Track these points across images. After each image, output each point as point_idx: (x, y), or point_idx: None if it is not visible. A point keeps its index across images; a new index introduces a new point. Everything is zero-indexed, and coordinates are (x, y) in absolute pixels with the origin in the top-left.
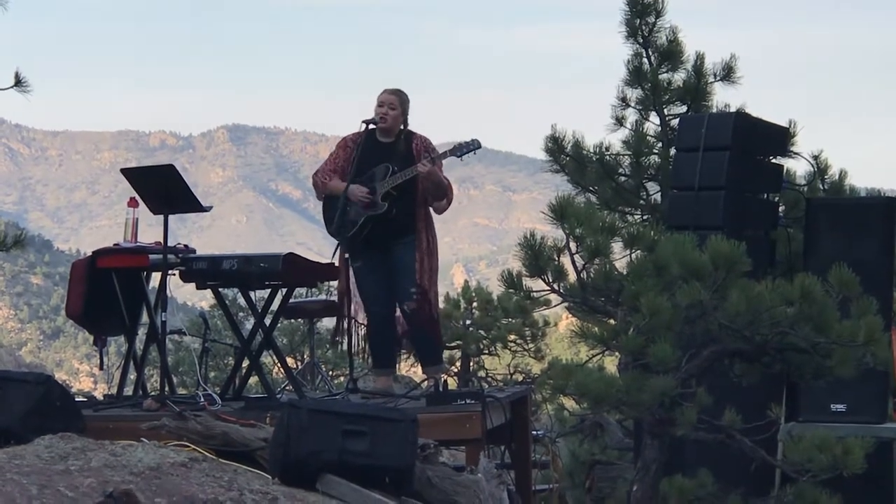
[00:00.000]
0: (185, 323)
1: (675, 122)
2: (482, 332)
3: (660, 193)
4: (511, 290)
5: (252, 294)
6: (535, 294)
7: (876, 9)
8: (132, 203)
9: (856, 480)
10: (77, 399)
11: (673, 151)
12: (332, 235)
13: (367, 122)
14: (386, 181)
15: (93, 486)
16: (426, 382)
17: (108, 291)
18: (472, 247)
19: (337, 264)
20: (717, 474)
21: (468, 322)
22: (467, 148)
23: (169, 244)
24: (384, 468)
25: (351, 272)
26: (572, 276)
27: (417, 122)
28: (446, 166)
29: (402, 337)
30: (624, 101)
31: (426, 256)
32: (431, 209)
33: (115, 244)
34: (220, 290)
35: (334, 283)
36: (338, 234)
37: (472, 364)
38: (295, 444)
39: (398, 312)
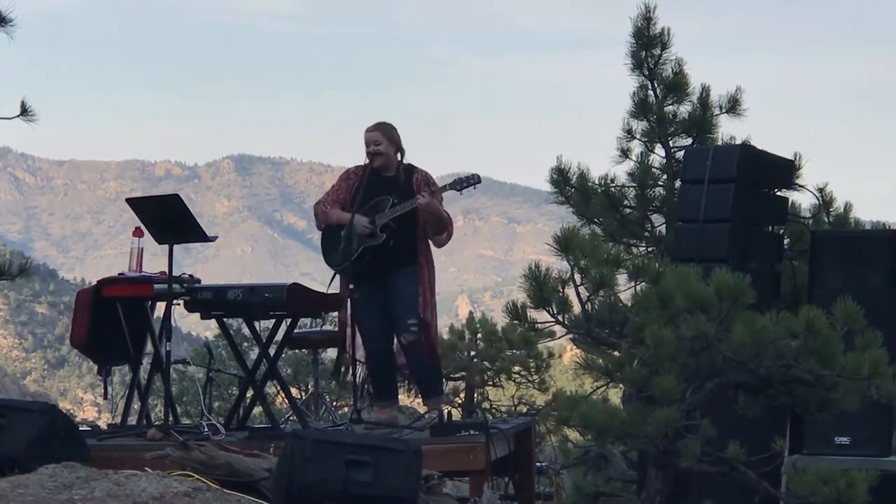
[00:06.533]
0: (189, 353)
1: (680, 154)
2: (486, 363)
3: (665, 225)
4: (516, 322)
5: (256, 324)
6: (539, 325)
7: (881, 40)
8: (137, 233)
9: None
10: (81, 428)
11: (678, 183)
12: (331, 266)
13: (371, 154)
14: (385, 213)
15: None
16: (429, 414)
17: (112, 321)
18: (477, 278)
19: (332, 293)
20: None
21: (472, 353)
22: (467, 182)
23: (174, 274)
24: (388, 499)
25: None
26: (577, 308)
27: (422, 153)
28: (448, 199)
29: (402, 368)
30: (629, 133)
31: (427, 290)
32: (431, 243)
33: (119, 273)
34: (224, 319)
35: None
36: (337, 265)
37: (476, 395)
38: (299, 474)
39: (396, 344)
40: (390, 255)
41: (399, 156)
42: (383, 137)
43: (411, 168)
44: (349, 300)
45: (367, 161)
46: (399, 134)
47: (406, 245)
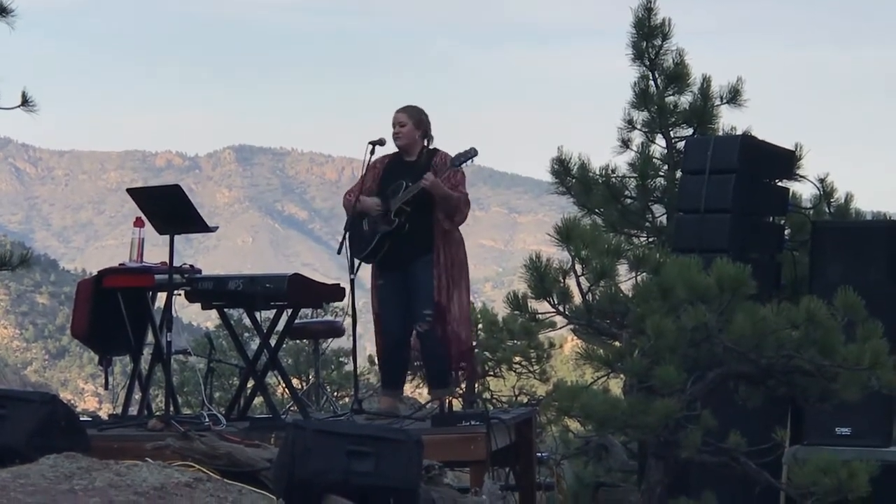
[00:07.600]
0: (190, 343)
1: (681, 144)
2: (487, 353)
3: (666, 216)
4: (516, 312)
5: (257, 314)
6: (540, 316)
7: (883, 30)
8: (138, 223)
9: None
10: (82, 418)
11: (679, 174)
12: (354, 255)
13: (372, 144)
14: (397, 197)
15: None
16: (430, 404)
17: (113, 311)
18: (478, 268)
19: (333, 283)
20: (721, 497)
21: (473, 343)
22: (465, 157)
23: (175, 264)
24: (389, 489)
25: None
26: (578, 298)
27: None
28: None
29: (417, 360)
30: (630, 124)
31: (444, 273)
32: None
33: (120, 264)
34: (225, 310)
35: (339, 305)
36: (358, 254)
37: (476, 386)
38: (299, 464)
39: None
40: (408, 241)
41: (426, 141)
42: (409, 119)
43: (434, 152)
44: (375, 286)
45: (371, 146)
46: (428, 119)
47: (423, 228)
